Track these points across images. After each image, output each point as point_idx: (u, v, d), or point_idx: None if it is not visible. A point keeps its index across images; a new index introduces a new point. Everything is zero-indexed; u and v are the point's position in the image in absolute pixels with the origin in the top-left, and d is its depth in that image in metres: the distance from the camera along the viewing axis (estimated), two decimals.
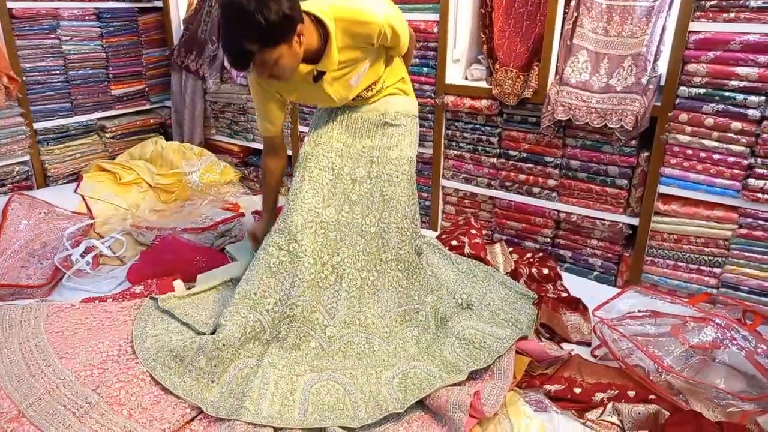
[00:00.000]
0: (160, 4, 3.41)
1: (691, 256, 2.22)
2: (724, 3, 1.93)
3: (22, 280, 2.28)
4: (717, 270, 2.17)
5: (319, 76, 1.73)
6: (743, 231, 2.08)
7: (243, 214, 2.83)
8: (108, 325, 1.85)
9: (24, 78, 2.89)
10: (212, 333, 1.81)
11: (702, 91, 2.04)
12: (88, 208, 2.80)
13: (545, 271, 2.37)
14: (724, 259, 2.15)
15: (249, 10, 1.40)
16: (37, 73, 2.97)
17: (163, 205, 2.97)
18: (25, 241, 2.48)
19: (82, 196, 2.84)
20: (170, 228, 2.64)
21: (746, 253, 2.09)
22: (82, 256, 2.48)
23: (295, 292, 1.82)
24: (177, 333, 1.84)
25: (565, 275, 2.44)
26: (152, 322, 1.88)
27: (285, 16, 1.45)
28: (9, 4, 2.76)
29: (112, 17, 3.21)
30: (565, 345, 2.02)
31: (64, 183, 3.11)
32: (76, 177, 3.05)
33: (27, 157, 2.97)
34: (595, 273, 2.47)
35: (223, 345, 1.71)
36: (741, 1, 1.90)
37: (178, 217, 2.78)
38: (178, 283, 2.26)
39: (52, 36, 2.98)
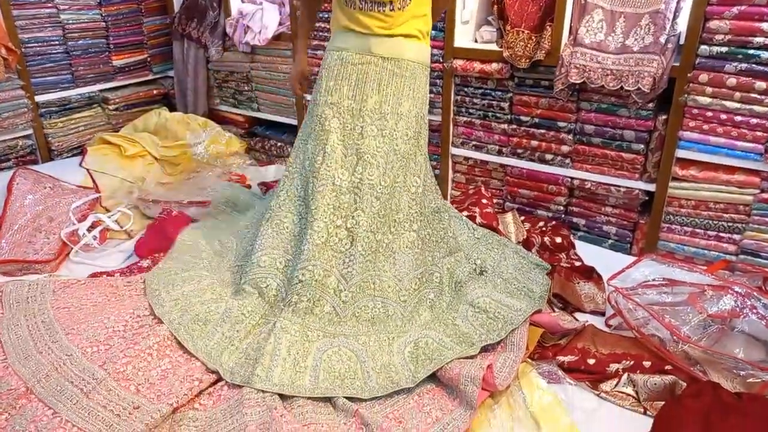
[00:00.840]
0: None
1: (710, 222, 2.15)
2: None
3: (30, 255, 2.27)
4: (737, 236, 2.11)
5: None
6: (765, 195, 2.00)
7: (249, 186, 2.79)
8: (114, 300, 1.84)
9: (23, 49, 2.82)
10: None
11: (724, 49, 1.94)
12: (94, 181, 2.76)
13: (558, 239, 2.32)
14: (744, 225, 2.08)
15: None
16: (35, 44, 2.90)
17: (169, 178, 2.93)
18: (32, 216, 2.46)
19: (87, 170, 2.81)
20: (176, 201, 2.61)
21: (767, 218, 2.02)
22: (89, 230, 2.47)
23: (305, 256, 1.80)
24: (195, 296, 1.85)
25: (578, 244, 2.39)
26: (166, 290, 1.88)
27: None
28: None
29: None
30: (578, 315, 1.98)
31: (69, 157, 3.07)
32: (80, 150, 3.01)
33: (30, 131, 2.93)
34: (610, 241, 2.41)
35: (249, 311, 1.77)
36: None
37: (184, 189, 2.75)
38: None
39: (50, 5, 2.90)
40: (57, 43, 2.98)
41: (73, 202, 2.55)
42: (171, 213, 2.48)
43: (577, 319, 1.93)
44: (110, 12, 3.14)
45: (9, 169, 2.75)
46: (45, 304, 1.76)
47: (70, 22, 3.00)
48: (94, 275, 2.14)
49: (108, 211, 2.64)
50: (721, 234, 2.13)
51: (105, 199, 2.69)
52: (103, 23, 3.14)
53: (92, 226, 2.49)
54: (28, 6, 2.82)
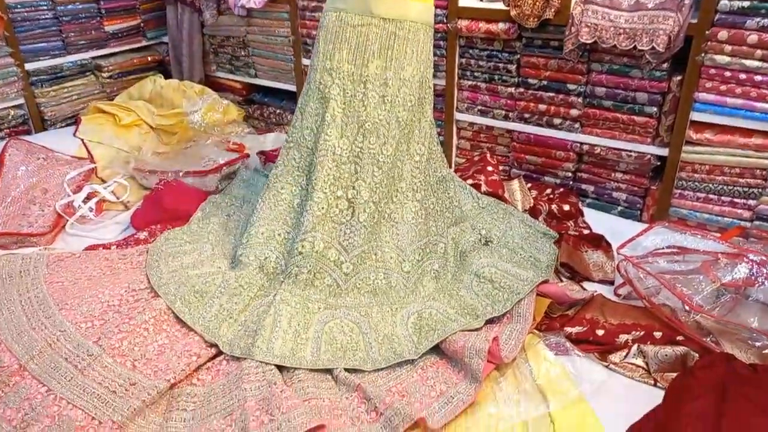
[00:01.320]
0: None
1: (724, 188, 2.07)
2: None
3: (24, 228, 2.22)
4: (752, 202, 2.03)
5: None
6: None
7: (248, 155, 2.72)
8: (109, 273, 1.79)
9: (9, 15, 2.71)
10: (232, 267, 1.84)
11: (746, 4, 1.83)
12: (89, 152, 2.69)
13: (566, 207, 2.25)
14: (760, 190, 2.00)
15: None
16: (23, 9, 2.78)
17: (165, 147, 2.86)
18: (25, 187, 2.40)
19: (82, 140, 2.73)
20: (173, 171, 2.54)
21: None
22: (85, 201, 2.41)
23: (305, 227, 1.75)
24: (193, 268, 1.82)
25: (587, 211, 2.32)
26: (165, 261, 1.85)
27: None
28: None
29: None
30: (586, 284, 1.93)
31: (63, 126, 2.99)
32: (74, 120, 2.93)
33: (21, 100, 2.84)
34: (620, 208, 2.34)
35: (246, 283, 1.72)
36: None
37: (181, 158, 2.67)
38: None
39: None
40: (45, 8, 2.86)
41: (67, 173, 2.49)
42: (168, 183, 2.42)
43: (585, 289, 1.88)
44: None
45: (1, 140, 2.67)
46: (38, 279, 1.72)
47: None
48: (89, 248, 2.09)
49: (104, 181, 2.58)
50: (736, 200, 2.06)
51: (101, 169, 2.63)
52: None
53: (88, 198, 2.43)
54: None
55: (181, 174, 2.52)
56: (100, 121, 2.84)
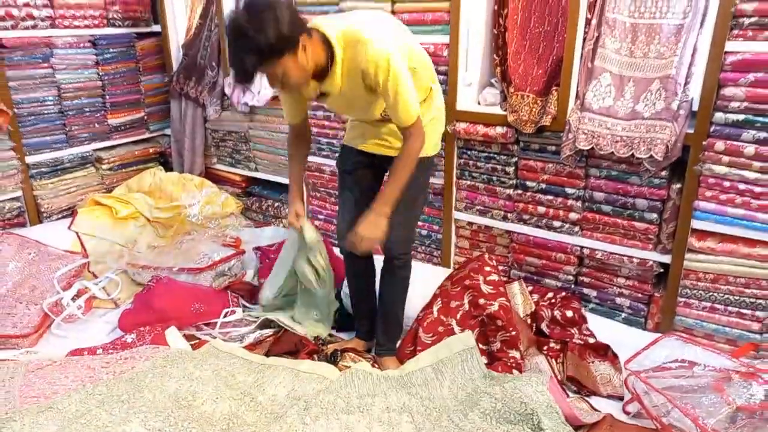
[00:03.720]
0: (158, 29, 3.29)
1: (730, 297, 2.01)
2: (765, 20, 1.75)
3: (8, 328, 2.14)
4: (760, 314, 1.96)
5: (322, 96, 1.72)
6: None
7: (243, 252, 2.68)
8: (89, 384, 1.69)
9: (15, 110, 2.76)
10: None
11: (740, 117, 1.84)
12: (82, 245, 2.66)
13: (569, 313, 2.18)
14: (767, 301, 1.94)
15: (247, 33, 1.45)
16: (29, 105, 2.84)
17: (161, 241, 2.82)
18: (13, 285, 2.35)
19: (77, 233, 2.70)
20: (167, 267, 2.49)
21: None
22: (74, 299, 2.34)
23: None
24: None
25: (590, 316, 2.25)
26: None
27: (281, 37, 1.47)
28: None
29: (109, 44, 3.09)
30: (594, 399, 1.83)
31: (59, 219, 2.97)
32: (71, 212, 2.91)
33: (19, 193, 2.84)
34: (623, 315, 2.27)
35: None
36: None
37: (176, 254, 2.63)
38: (172, 331, 2.11)
39: (45, 65, 2.86)
40: (51, 103, 2.93)
41: (58, 269, 2.44)
42: (160, 282, 2.36)
43: (594, 408, 1.78)
44: (107, 71, 3.10)
45: None
46: (12, 393, 1.63)
47: (66, 82, 2.96)
48: (73, 353, 2.01)
49: (95, 276, 2.52)
50: (743, 311, 1.99)
51: (93, 264, 2.58)
52: (100, 82, 3.10)
53: (77, 295, 2.37)
54: (23, 66, 2.78)
55: (174, 270, 2.47)
56: (96, 214, 2.82)
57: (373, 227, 1.70)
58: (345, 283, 2.29)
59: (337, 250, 2.34)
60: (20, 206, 2.86)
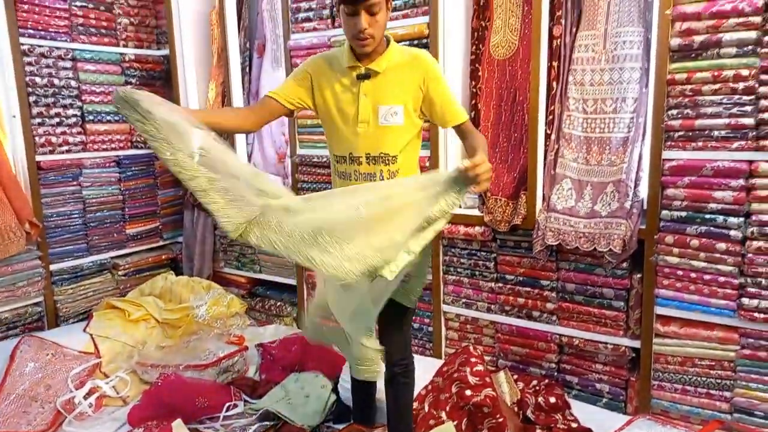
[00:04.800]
0: None
1: (699, 379, 2.15)
2: (690, 133, 2.06)
3: (23, 426, 2.27)
4: (727, 394, 2.10)
5: (363, 78, 1.70)
6: (746, 352, 2.04)
7: (246, 348, 2.85)
8: None
9: (44, 223, 3.06)
10: None
11: (683, 214, 2.10)
12: (96, 347, 2.83)
13: (552, 399, 2.30)
14: (732, 381, 2.08)
15: None
16: (57, 218, 3.14)
17: (169, 341, 3.00)
18: (30, 384, 2.50)
19: (91, 335, 2.89)
20: (174, 365, 2.65)
21: (753, 375, 2.03)
22: (85, 397, 2.49)
23: None
24: None
25: (573, 403, 2.37)
26: None
27: None
28: (37, 158, 3.01)
29: (131, 163, 3.46)
30: None
31: (75, 322, 3.17)
32: (86, 315, 3.12)
33: (41, 298, 3.06)
34: (604, 399, 2.39)
35: None
36: (706, 132, 2.03)
37: (183, 352, 2.80)
38: (179, 425, 2.24)
39: (74, 183, 3.20)
40: (77, 216, 3.23)
41: (72, 369, 2.61)
42: (168, 378, 2.51)
43: None
44: (128, 187, 3.45)
45: (15, 336, 2.83)
46: None
47: (91, 197, 3.28)
48: None
49: (107, 376, 2.68)
50: (712, 391, 2.13)
51: (105, 364, 2.74)
52: (121, 196, 3.43)
53: (89, 393, 2.52)
54: (56, 185, 3.12)
55: (181, 368, 2.63)
56: (110, 316, 3.02)
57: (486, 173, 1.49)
58: (342, 375, 2.45)
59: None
60: (41, 311, 3.07)
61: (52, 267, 3.13)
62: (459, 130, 1.76)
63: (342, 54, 1.75)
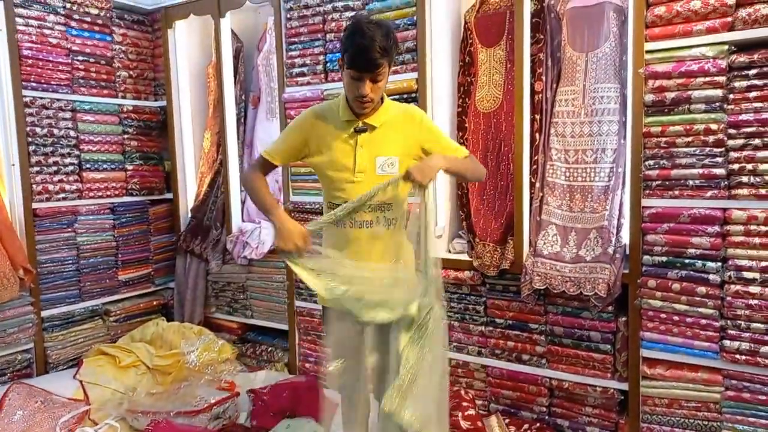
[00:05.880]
0: (170, 196, 3.75)
1: (686, 420, 2.19)
2: (667, 182, 2.17)
3: None
4: None
5: (360, 131, 1.81)
6: (730, 393, 2.09)
7: (238, 394, 2.84)
8: None
9: (38, 269, 3.07)
10: None
11: (664, 258, 2.19)
12: (85, 393, 2.81)
13: None
14: (719, 423, 2.13)
15: (383, 26, 1.71)
16: (51, 264, 3.16)
17: (159, 387, 2.98)
18: None
19: (81, 382, 2.87)
20: (165, 411, 2.63)
21: (739, 417, 2.08)
22: None
23: None
24: None
25: None
26: None
27: (396, 48, 1.75)
28: (34, 205, 3.06)
29: (125, 210, 3.51)
30: None
31: (64, 369, 3.14)
32: (76, 362, 3.10)
33: (30, 345, 3.05)
34: None
35: None
36: (681, 181, 2.14)
37: (173, 399, 2.78)
38: None
39: (69, 230, 3.23)
40: (70, 262, 3.25)
41: (61, 417, 2.58)
42: (159, 425, 2.50)
43: None
44: (122, 233, 3.49)
45: (3, 384, 2.80)
46: None
47: (85, 243, 3.31)
48: None
49: (96, 423, 2.65)
50: None
51: (94, 411, 2.72)
52: (115, 243, 3.46)
53: None
54: (51, 231, 3.15)
55: (172, 414, 2.61)
56: (100, 363, 3.01)
57: (428, 170, 1.72)
58: (334, 420, 2.46)
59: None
60: (30, 357, 3.05)
61: (44, 313, 3.13)
62: None
63: (338, 107, 1.86)
